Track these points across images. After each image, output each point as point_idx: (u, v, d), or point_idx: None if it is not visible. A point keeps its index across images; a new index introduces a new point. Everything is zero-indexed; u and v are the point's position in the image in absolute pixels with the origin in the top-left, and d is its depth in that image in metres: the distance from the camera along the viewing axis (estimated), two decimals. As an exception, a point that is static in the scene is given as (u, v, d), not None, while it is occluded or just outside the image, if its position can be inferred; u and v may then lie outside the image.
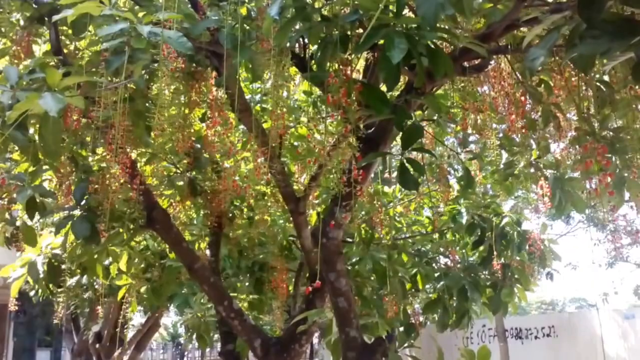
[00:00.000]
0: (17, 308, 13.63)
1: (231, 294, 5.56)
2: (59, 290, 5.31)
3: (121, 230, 4.63)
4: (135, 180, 3.86)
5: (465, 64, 3.51)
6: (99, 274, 4.77)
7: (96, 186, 4.05)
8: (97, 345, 10.11)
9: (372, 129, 3.36)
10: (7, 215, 4.45)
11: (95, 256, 4.61)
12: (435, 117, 3.77)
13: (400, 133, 2.78)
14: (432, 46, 2.63)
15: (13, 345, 15.07)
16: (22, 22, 4.21)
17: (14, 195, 4.35)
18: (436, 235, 5.80)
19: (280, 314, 5.37)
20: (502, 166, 5.49)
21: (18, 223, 4.63)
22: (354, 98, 2.61)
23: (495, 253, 5.15)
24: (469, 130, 4.94)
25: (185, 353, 36.80)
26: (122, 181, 3.79)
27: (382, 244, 5.04)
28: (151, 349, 33.32)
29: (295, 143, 4.87)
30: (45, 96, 2.97)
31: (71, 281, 7.65)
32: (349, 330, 3.11)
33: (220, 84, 3.49)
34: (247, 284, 5.82)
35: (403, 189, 6.56)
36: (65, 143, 4.14)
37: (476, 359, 3.13)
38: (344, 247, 5.05)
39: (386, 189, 6.23)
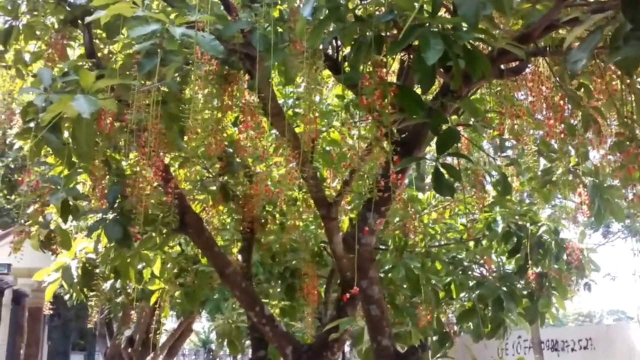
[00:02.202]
0: (51, 312, 13.87)
1: (263, 300, 5.53)
2: (92, 294, 5.33)
3: (154, 234, 4.65)
4: (170, 183, 3.84)
5: (502, 66, 3.42)
6: (131, 278, 4.78)
7: (129, 189, 4.06)
8: (130, 350, 10.18)
9: (406, 133, 3.29)
10: (41, 219, 4.48)
11: (128, 260, 4.61)
12: (471, 122, 3.67)
13: (435, 137, 2.71)
14: (470, 47, 2.56)
15: (48, 348, 15.30)
16: (56, 25, 4.25)
17: (48, 198, 4.40)
18: (471, 244, 5.68)
19: (311, 320, 5.31)
20: (539, 173, 5.36)
21: (52, 226, 4.66)
22: (389, 101, 2.55)
23: (531, 262, 5.01)
24: (505, 136, 4.84)
25: (217, 359, 36.98)
26: (155, 184, 3.79)
27: (416, 252, 4.95)
28: (183, 354, 33.56)
29: (328, 148, 4.82)
30: (78, 98, 2.98)
31: (105, 285, 7.74)
32: (381, 339, 3.04)
33: (253, 87, 3.46)
34: (278, 290, 5.77)
35: (437, 196, 6.46)
36: (99, 146, 4.17)
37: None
38: (377, 254, 4.98)
39: (420, 195, 6.14)
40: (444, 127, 2.67)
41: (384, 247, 5.26)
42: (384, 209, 3.14)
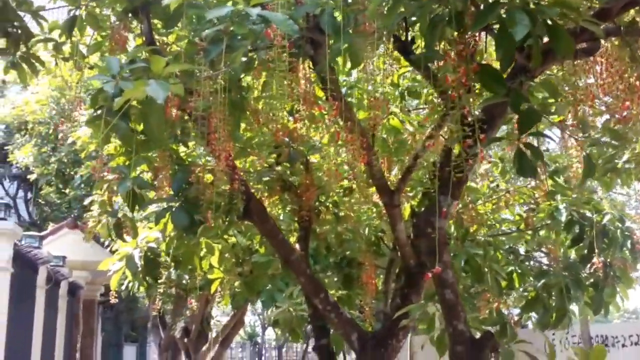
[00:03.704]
0: (107, 303, 14.12)
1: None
2: (160, 282, 5.37)
3: (217, 222, 4.65)
4: (236, 171, 3.82)
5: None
6: (196, 265, 4.79)
7: (194, 177, 4.06)
8: (185, 340, 10.28)
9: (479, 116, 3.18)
10: (108, 208, 4.52)
11: (192, 249, 4.62)
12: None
13: (516, 116, 2.60)
14: (553, 24, 2.45)
15: (102, 339, 15.59)
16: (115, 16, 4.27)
17: (115, 188, 4.43)
18: (530, 233, 5.51)
19: (369, 310, 5.23)
20: (601, 161, 5.16)
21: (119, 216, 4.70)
22: (470, 79, 2.46)
23: (596, 251, 4.83)
24: (569, 122, 4.67)
25: (263, 352, 37.22)
26: (220, 171, 3.78)
27: (477, 241, 4.82)
28: (230, 347, 33.89)
29: (385, 136, 4.73)
30: (151, 83, 2.97)
31: (164, 275, 7.82)
32: (457, 324, 2.95)
33: (318, 72, 3.40)
34: (335, 280, 5.71)
35: (491, 185, 6.30)
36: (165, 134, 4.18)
37: (590, 358, 2.88)
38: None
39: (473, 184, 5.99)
40: (524, 106, 2.55)
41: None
42: (458, 192, 3.05)
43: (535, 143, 2.90)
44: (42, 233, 12.48)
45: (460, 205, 4.81)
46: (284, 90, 4.08)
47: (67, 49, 4.93)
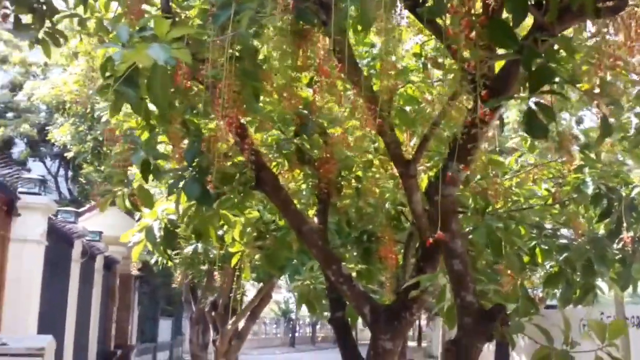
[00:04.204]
0: (140, 277, 14.29)
1: (346, 264, 5.36)
2: (175, 253, 5.34)
3: (232, 193, 4.57)
4: (245, 140, 3.72)
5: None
6: (212, 237, 4.74)
7: (204, 145, 3.98)
8: (213, 314, 10.35)
9: (492, 79, 2.99)
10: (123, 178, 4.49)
11: (208, 219, 4.55)
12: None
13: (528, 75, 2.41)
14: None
15: (138, 313, 15.87)
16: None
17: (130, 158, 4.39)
18: (557, 207, 5.28)
19: (390, 285, 5.11)
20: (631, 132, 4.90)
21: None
22: (477, 34, 2.28)
23: (624, 225, 4.59)
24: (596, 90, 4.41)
25: (297, 328, 37.52)
26: (231, 141, 3.69)
27: (498, 214, 4.63)
28: (264, 323, 34.24)
29: (406, 107, 4.56)
30: (153, 46, 2.88)
31: (188, 249, 7.83)
32: (465, 295, 2.80)
33: (329, 33, 3.26)
34: (354, 254, 5.60)
35: (519, 160, 6.07)
36: (177, 108, 4.10)
37: (607, 333, 2.70)
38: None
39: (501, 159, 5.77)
40: (537, 62, 2.36)
41: (463, 211, 4.94)
42: (469, 159, 2.88)
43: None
44: (80, 209, 12.72)
45: (478, 177, 4.63)
46: (296, 58, 3.97)
47: (91, 24, 4.90)
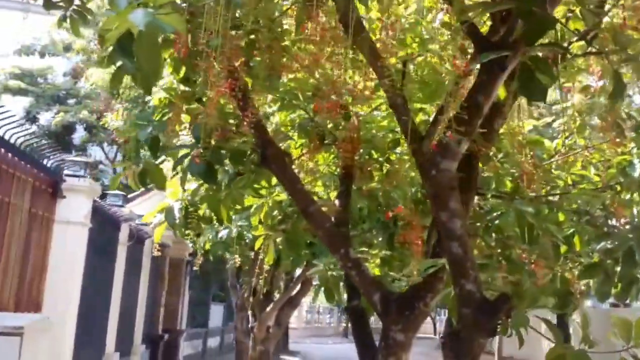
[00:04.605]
0: (192, 263, 14.35)
1: (362, 249, 5.05)
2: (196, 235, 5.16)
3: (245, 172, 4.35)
4: (247, 112, 3.45)
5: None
6: (223, 218, 4.53)
7: (203, 116, 3.76)
8: (251, 300, 10.23)
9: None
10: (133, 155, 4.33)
11: (215, 199, 4.35)
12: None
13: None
14: None
15: (189, 298, 15.99)
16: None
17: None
18: (607, 192, 4.76)
19: (417, 273, 4.76)
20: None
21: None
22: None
23: (677, 213, 4.07)
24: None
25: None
26: (231, 109, 3.43)
27: (530, 198, 4.19)
28: (318, 312, 34.21)
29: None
30: (136, 11, 2.67)
31: (222, 232, 7.69)
32: (464, 283, 2.45)
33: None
34: (380, 239, 5.28)
35: (566, 141, 5.55)
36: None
37: (633, 329, 2.31)
38: (483, 200, 4.30)
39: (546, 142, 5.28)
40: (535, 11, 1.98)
41: (482, 192, 4.50)
42: (469, 129, 2.51)
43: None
44: (132, 195, 12.86)
45: (500, 155, 4.21)
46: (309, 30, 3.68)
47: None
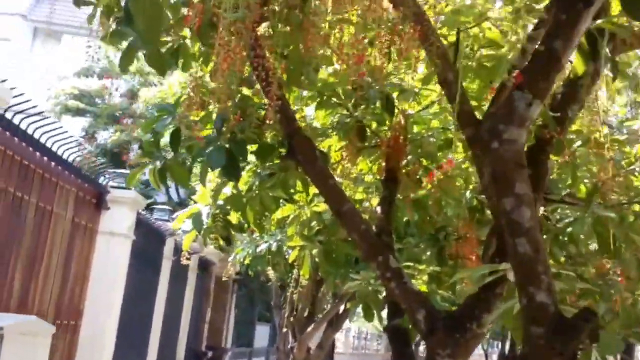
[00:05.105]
0: (238, 281, 13.95)
1: (408, 264, 4.41)
2: (216, 239, 4.64)
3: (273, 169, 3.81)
4: (270, 90, 2.87)
5: None
6: (250, 221, 3.99)
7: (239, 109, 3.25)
8: (292, 320, 9.64)
9: None
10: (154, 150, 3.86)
11: (239, 199, 3.81)
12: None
13: None
14: None
15: (234, 316, 15.60)
16: None
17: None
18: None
19: (469, 283, 4.08)
20: None
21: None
22: None
23: None
24: None
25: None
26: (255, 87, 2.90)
27: (611, 204, 3.46)
28: (365, 338, 33.13)
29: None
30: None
31: (262, 246, 7.19)
32: (534, 292, 1.79)
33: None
34: (428, 253, 4.60)
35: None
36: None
37: None
38: (549, 206, 3.57)
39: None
40: None
41: (566, 201, 3.79)
42: (543, 86, 1.88)
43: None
44: (181, 212, 12.60)
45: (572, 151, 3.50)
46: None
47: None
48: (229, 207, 4.17)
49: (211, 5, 2.72)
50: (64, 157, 6.15)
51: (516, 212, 1.85)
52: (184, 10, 2.94)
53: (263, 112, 3.46)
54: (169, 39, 3.47)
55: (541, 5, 3.13)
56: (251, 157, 4.00)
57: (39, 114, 5.38)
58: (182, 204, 17.55)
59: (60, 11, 19.61)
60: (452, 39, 2.98)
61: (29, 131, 5.24)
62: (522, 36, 2.84)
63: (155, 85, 19.51)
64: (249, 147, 3.57)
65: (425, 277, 4.33)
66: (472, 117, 2.85)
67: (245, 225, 4.80)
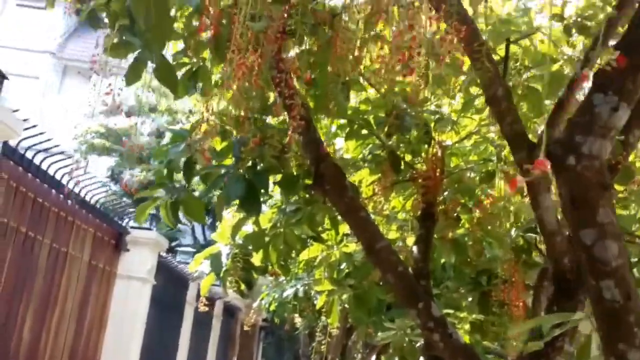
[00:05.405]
0: (265, 329, 13.44)
1: (454, 313, 3.96)
2: (229, 283, 4.23)
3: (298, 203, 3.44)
4: (294, 109, 2.51)
5: None
6: (273, 261, 3.60)
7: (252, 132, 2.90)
8: (320, 370, 9.06)
9: None
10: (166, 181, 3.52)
11: (260, 235, 3.43)
12: None
13: None
14: None
15: (261, 364, 15.02)
16: None
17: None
18: None
19: (516, 342, 3.60)
20: None
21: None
22: None
23: None
24: None
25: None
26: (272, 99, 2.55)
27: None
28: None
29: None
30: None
31: (288, 292, 6.76)
32: (626, 350, 1.36)
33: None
34: (469, 299, 4.13)
35: None
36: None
37: None
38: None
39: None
40: None
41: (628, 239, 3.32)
42: (631, 89, 1.47)
43: None
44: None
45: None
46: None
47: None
48: (250, 247, 3.78)
49: (228, 13, 2.43)
50: (82, 195, 5.89)
51: (599, 247, 1.43)
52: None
53: (286, 138, 3.11)
54: (186, 60, 3.19)
55: (593, 23, 2.78)
56: (275, 193, 3.66)
57: (61, 153, 5.17)
58: (208, 246, 17.21)
59: (90, 49, 19.96)
60: (501, 53, 2.61)
61: (44, 167, 4.98)
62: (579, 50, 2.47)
63: (183, 124, 19.47)
64: (271, 178, 3.21)
65: (467, 326, 3.84)
66: (524, 139, 2.45)
67: (269, 267, 4.41)
